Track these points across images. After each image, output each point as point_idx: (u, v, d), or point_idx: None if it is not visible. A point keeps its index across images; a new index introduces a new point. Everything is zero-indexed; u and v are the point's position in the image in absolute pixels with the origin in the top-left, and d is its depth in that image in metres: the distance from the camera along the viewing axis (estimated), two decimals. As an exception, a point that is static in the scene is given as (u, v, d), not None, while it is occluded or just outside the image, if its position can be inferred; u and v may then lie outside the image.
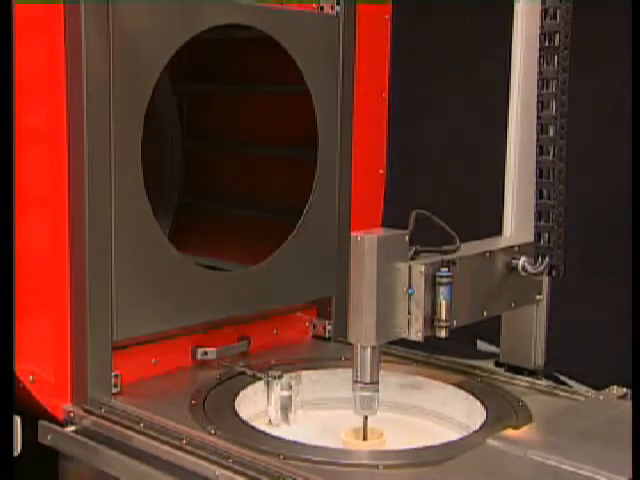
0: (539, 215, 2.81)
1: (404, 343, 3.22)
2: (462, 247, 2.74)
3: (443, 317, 2.59)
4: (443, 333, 2.61)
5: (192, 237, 3.65)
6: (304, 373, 3.01)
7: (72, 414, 2.70)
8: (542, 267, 2.82)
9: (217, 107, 3.86)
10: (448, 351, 3.71)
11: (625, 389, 2.71)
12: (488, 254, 2.80)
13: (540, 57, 2.75)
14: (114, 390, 2.79)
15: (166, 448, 2.47)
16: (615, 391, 2.73)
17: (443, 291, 2.59)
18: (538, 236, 2.82)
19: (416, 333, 2.60)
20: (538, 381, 2.98)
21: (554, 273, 2.84)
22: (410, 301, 2.59)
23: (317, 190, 3.27)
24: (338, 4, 3.26)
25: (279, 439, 2.53)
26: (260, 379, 2.90)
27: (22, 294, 2.55)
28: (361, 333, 2.56)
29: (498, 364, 3.14)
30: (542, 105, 2.76)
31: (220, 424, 2.57)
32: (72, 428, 2.68)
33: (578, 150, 2.94)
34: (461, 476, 2.18)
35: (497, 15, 3.20)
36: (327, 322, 3.43)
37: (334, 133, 3.30)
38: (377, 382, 2.63)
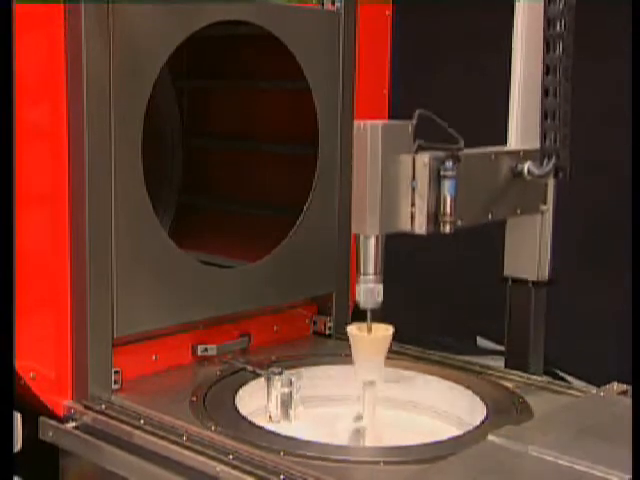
0: (545, 114, 2.75)
1: (404, 340, 3.22)
2: (466, 151, 2.68)
3: (447, 212, 2.54)
4: (447, 228, 2.56)
5: (192, 234, 3.64)
6: (304, 369, 3.01)
7: (72, 410, 2.71)
8: (548, 168, 2.76)
9: (217, 104, 3.86)
10: (448, 347, 3.71)
11: (625, 386, 2.71)
12: (493, 156, 2.76)
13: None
14: (114, 386, 2.79)
15: (166, 444, 2.47)
16: (615, 387, 2.73)
17: (447, 185, 2.54)
18: (544, 136, 2.76)
19: (420, 226, 2.54)
20: (539, 377, 2.98)
21: (560, 175, 2.78)
22: (414, 194, 2.54)
23: (317, 187, 3.26)
24: (339, 0, 3.26)
25: (279, 435, 2.52)
26: (260, 375, 2.90)
27: (22, 291, 2.55)
28: (364, 223, 2.52)
29: (502, 279, 3.10)
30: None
31: (220, 420, 2.57)
32: (72, 424, 2.68)
33: (578, 147, 2.93)
34: (462, 472, 2.18)
35: (498, 11, 3.20)
36: (327, 318, 3.42)
37: (334, 130, 3.29)
38: (381, 273, 2.59)
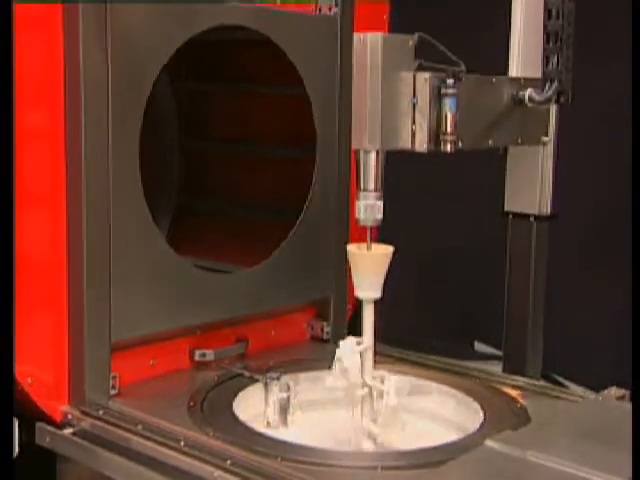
0: (547, 37, 2.72)
1: (401, 344, 3.22)
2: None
3: (449, 130, 2.52)
4: (448, 147, 2.54)
5: (190, 238, 3.64)
6: (302, 374, 3.01)
7: (70, 416, 2.70)
8: (549, 93, 2.73)
9: (215, 108, 3.86)
10: (445, 352, 3.70)
11: (624, 390, 2.71)
12: (494, 79, 2.74)
13: None
14: (112, 392, 2.78)
15: (164, 450, 2.47)
16: (614, 392, 2.73)
17: (448, 102, 2.52)
18: (546, 60, 2.74)
19: (421, 144, 2.52)
20: (536, 382, 2.97)
21: (562, 99, 2.75)
22: (415, 111, 2.52)
23: (315, 191, 3.26)
24: (336, 5, 3.26)
25: (277, 441, 2.52)
26: (258, 381, 2.90)
27: (21, 296, 2.54)
28: (364, 137, 2.49)
29: (504, 214, 3.05)
30: None
31: (218, 426, 2.56)
32: (70, 430, 2.67)
33: (578, 150, 2.93)
34: (460, 477, 2.18)
35: (496, 5, 3.19)
36: (325, 323, 3.42)
37: (333, 134, 3.29)
38: (381, 190, 2.57)
